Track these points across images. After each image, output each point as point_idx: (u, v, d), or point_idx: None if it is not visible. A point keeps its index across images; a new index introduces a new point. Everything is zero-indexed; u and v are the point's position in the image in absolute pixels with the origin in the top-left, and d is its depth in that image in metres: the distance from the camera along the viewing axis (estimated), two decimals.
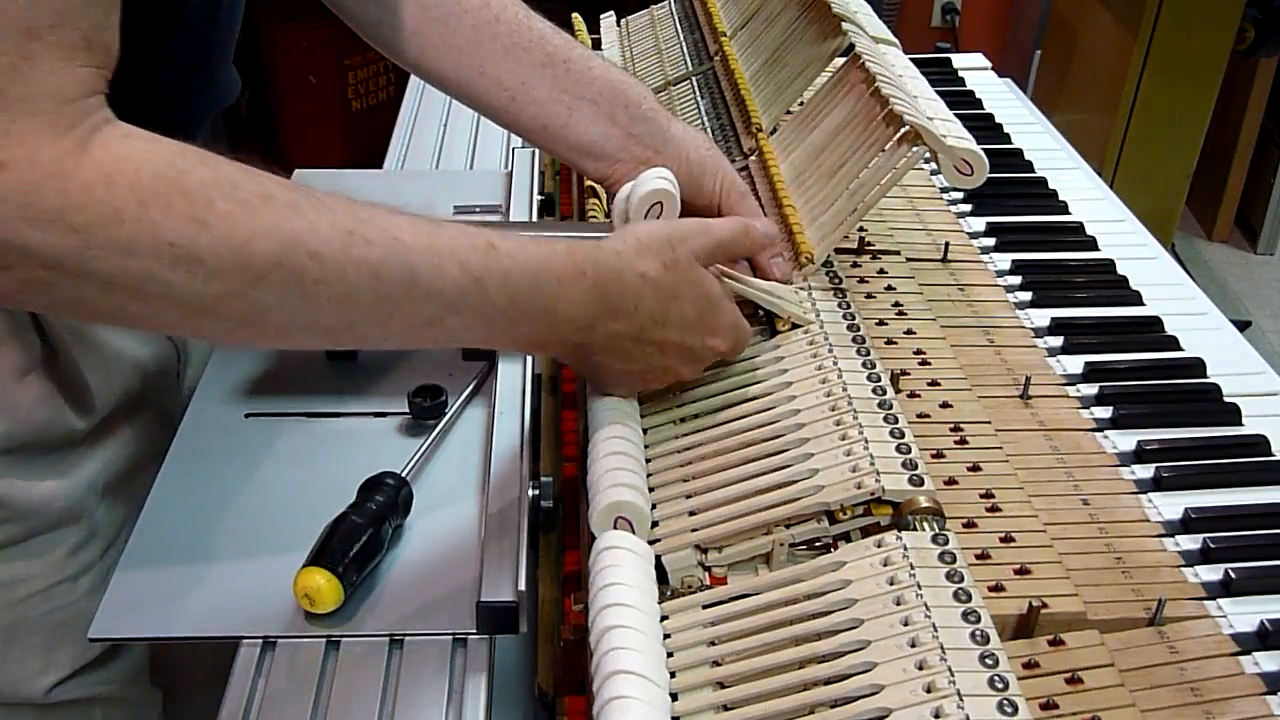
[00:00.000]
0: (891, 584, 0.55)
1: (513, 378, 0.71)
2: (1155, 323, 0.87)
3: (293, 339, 0.55)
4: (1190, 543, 0.65)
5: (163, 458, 0.78)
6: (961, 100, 1.26)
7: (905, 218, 0.97)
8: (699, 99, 1.08)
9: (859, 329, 0.74)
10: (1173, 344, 0.85)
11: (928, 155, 0.76)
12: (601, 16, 1.32)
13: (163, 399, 0.79)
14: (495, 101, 0.80)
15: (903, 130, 0.77)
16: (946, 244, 0.94)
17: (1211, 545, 0.64)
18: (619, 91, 0.78)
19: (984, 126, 1.19)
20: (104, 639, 0.58)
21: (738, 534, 0.62)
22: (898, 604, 0.54)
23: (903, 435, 0.64)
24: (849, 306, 0.77)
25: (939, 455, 0.69)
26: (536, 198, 0.95)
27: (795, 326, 0.73)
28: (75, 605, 0.72)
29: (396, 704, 0.55)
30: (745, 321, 0.69)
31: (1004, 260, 0.93)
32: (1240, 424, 0.76)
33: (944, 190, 1.03)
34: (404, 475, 0.65)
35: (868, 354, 0.72)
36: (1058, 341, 0.83)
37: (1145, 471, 0.71)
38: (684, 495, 0.64)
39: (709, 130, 1.02)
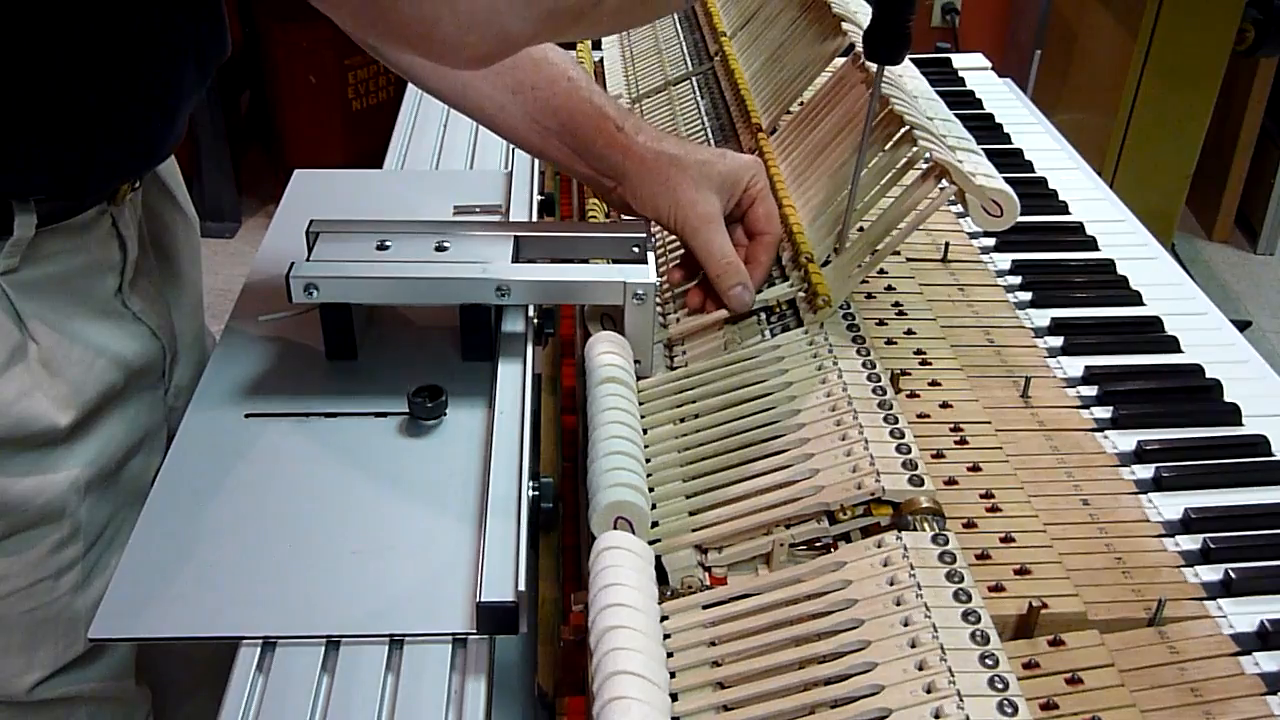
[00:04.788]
0: (892, 584, 0.55)
1: (513, 378, 0.71)
2: (1155, 323, 0.87)
3: None
4: (1190, 543, 0.65)
5: (148, 453, 0.79)
6: (961, 100, 1.26)
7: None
8: (699, 99, 1.08)
9: (859, 329, 0.74)
10: (1173, 344, 0.85)
11: (927, 156, 0.76)
12: None
13: (148, 396, 0.79)
14: (482, 119, 0.81)
15: (903, 130, 0.77)
16: (946, 244, 0.94)
17: (1211, 545, 0.64)
18: (577, 124, 0.78)
19: (984, 126, 1.19)
20: (104, 639, 0.58)
21: (738, 534, 0.62)
22: (898, 604, 0.54)
23: (903, 435, 0.64)
24: (849, 306, 0.77)
25: (939, 455, 0.69)
26: (536, 198, 0.95)
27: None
28: (57, 604, 0.72)
29: (396, 704, 0.55)
30: None
31: (1004, 260, 0.93)
32: (1240, 424, 0.76)
33: None
34: None
35: (868, 354, 0.72)
36: (1058, 341, 0.83)
37: (1145, 471, 0.71)
38: (684, 495, 0.64)
39: (709, 130, 1.02)
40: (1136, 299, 0.90)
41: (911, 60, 0.96)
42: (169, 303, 0.82)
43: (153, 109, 0.72)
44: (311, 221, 0.77)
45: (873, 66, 0.82)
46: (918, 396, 0.74)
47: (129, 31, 0.66)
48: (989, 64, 1.38)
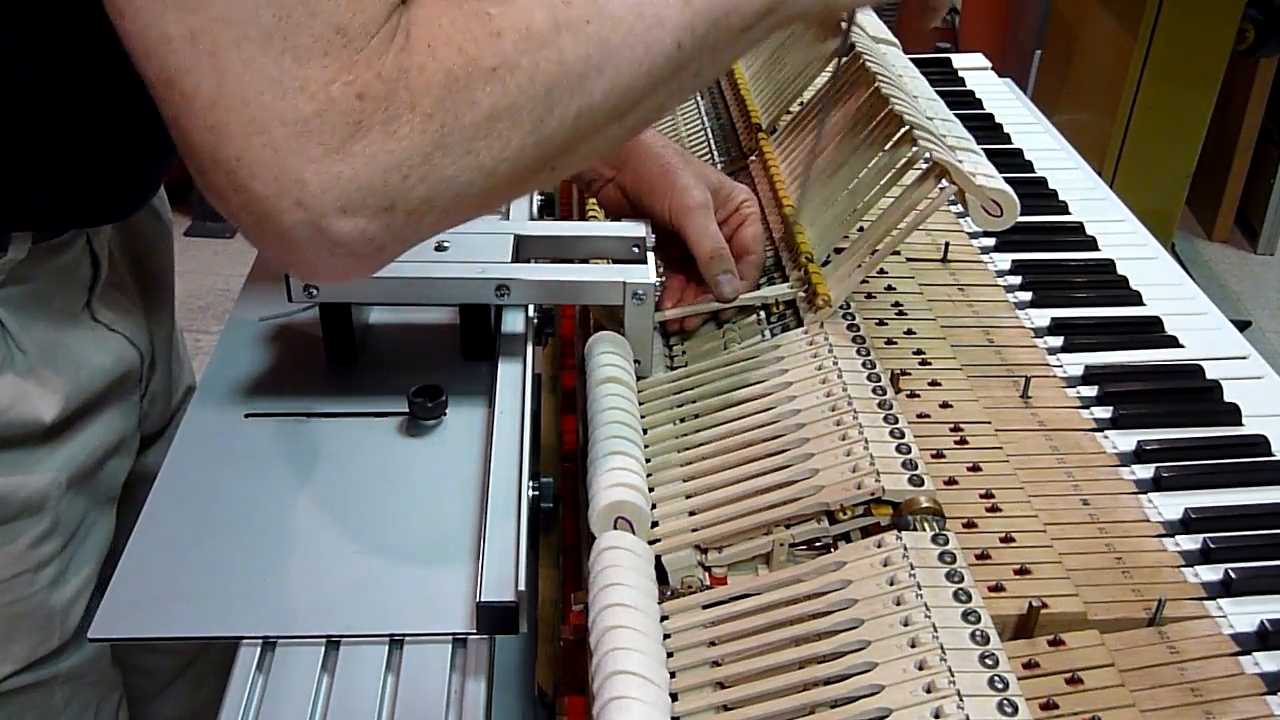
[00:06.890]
0: (891, 584, 0.55)
1: (513, 378, 0.71)
2: (1155, 323, 0.87)
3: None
4: (1190, 543, 0.65)
5: (122, 456, 0.79)
6: (961, 100, 1.26)
7: None
8: (699, 99, 1.08)
9: (859, 329, 0.74)
10: (1173, 344, 0.85)
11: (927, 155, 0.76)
12: None
13: (126, 398, 0.80)
14: None
15: (902, 130, 0.77)
16: (946, 244, 0.94)
17: (1211, 545, 0.64)
18: None
19: (984, 126, 1.19)
20: (104, 639, 0.58)
21: (738, 534, 0.62)
22: (898, 604, 0.54)
23: (903, 435, 0.64)
24: (849, 306, 0.77)
25: (939, 455, 0.69)
26: (536, 198, 0.95)
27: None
28: (34, 598, 0.73)
29: (396, 704, 0.55)
30: None
31: (1004, 260, 0.93)
32: (1240, 424, 0.76)
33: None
34: None
35: (868, 354, 0.72)
36: (1058, 341, 0.83)
37: (1145, 471, 0.71)
38: (684, 495, 0.64)
39: (709, 130, 1.02)
40: (1136, 299, 0.91)
41: (911, 60, 0.96)
42: (145, 310, 0.83)
43: (154, 161, 0.74)
44: None
45: (874, 66, 0.82)
46: (918, 396, 0.74)
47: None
48: (989, 64, 1.38)
